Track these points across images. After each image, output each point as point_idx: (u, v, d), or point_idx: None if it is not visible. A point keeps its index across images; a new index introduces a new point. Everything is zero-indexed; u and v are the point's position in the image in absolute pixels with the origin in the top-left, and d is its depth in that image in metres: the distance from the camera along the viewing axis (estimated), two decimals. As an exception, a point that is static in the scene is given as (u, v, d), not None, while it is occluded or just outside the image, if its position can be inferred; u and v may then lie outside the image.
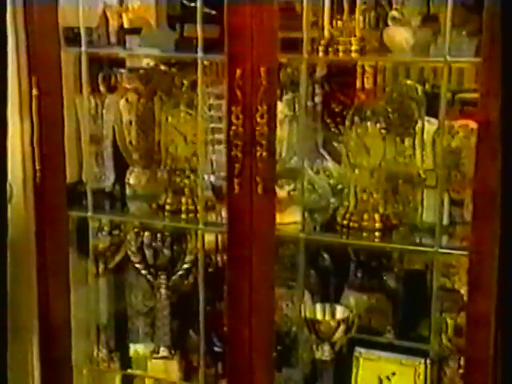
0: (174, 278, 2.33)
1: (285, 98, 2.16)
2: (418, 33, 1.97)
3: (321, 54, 2.00)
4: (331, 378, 2.12)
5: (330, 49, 1.99)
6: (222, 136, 2.16)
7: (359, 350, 2.17)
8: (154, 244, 2.30)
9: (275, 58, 1.92)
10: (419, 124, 2.14)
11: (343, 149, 2.15)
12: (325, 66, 2.27)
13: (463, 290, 1.98)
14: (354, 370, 2.18)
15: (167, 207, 2.25)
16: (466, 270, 1.88)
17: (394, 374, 2.13)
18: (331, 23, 2.01)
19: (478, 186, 1.80)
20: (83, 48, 2.11)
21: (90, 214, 2.23)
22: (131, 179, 2.37)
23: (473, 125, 1.89)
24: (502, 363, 1.76)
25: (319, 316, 2.12)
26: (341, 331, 2.08)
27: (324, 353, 2.10)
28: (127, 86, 2.34)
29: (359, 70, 2.25)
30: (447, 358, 2.06)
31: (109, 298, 2.50)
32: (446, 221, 2.02)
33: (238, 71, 1.92)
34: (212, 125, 2.30)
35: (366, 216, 2.07)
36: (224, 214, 2.08)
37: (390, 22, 1.98)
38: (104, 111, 2.32)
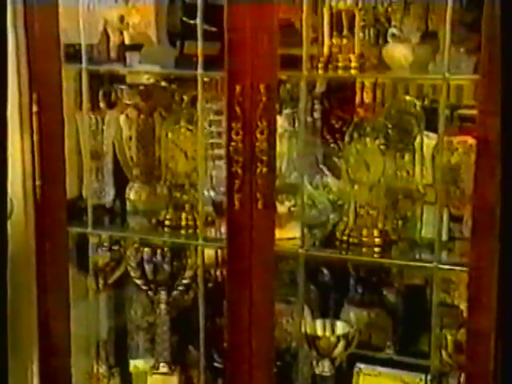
0: (173, 293, 2.33)
1: (284, 112, 2.18)
2: (417, 50, 1.98)
3: (320, 70, 2.01)
4: (332, 394, 2.12)
5: (329, 65, 2.00)
6: (221, 151, 2.16)
7: (359, 366, 2.18)
8: (153, 259, 2.31)
9: (275, 75, 1.94)
10: (418, 139, 2.15)
11: (343, 164, 2.16)
12: (324, 82, 2.28)
13: (463, 306, 1.98)
14: (355, 386, 2.18)
15: (167, 223, 2.26)
16: (465, 286, 1.89)
17: (394, 389, 2.13)
18: (331, 40, 2.02)
19: (477, 202, 1.81)
20: (84, 65, 2.12)
21: (89, 229, 2.23)
22: (131, 195, 2.37)
23: (472, 141, 1.90)
24: (502, 379, 1.75)
25: (319, 332, 2.12)
26: (341, 347, 2.08)
27: (324, 368, 2.10)
28: (127, 102, 2.35)
29: (358, 86, 2.27)
30: (447, 373, 2.06)
31: (109, 313, 2.51)
32: (445, 236, 2.02)
33: (238, 88, 1.93)
34: (212, 140, 2.31)
35: (365, 231, 2.07)
36: (224, 229, 2.08)
37: (389, 39, 1.99)
38: (104, 127, 2.32)
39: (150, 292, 2.34)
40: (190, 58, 2.04)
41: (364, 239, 2.07)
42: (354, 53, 1.99)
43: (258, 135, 1.94)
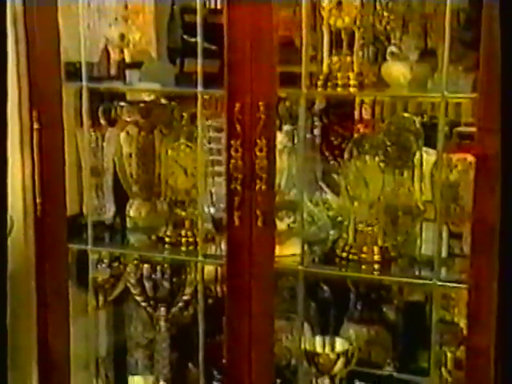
0: (173, 310, 2.34)
1: (284, 128, 2.18)
2: (416, 68, 2.00)
3: (319, 88, 2.02)
4: (331, 411, 2.12)
5: (328, 83, 2.01)
6: (221, 168, 2.17)
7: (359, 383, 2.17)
8: (153, 276, 2.31)
9: (274, 93, 1.94)
10: (417, 156, 2.15)
11: (342, 181, 2.16)
12: (323, 99, 2.29)
13: (463, 323, 1.98)
14: (354, 403, 2.18)
15: (167, 239, 2.26)
16: (465, 303, 1.89)
17: (394, 406, 2.13)
18: (330, 58, 2.03)
19: (477, 219, 1.81)
20: (84, 83, 2.13)
21: (89, 246, 2.23)
22: (131, 211, 2.38)
23: (471, 158, 1.90)
24: (501, 397, 1.76)
25: (319, 348, 2.12)
26: (340, 364, 2.08)
27: (324, 386, 2.10)
28: (127, 119, 2.36)
29: (358, 103, 2.28)
30: (447, 391, 2.06)
31: (108, 330, 2.51)
32: (444, 253, 2.02)
33: (238, 105, 1.94)
34: (212, 157, 2.32)
35: (364, 248, 2.08)
36: (224, 245, 2.09)
37: (388, 57, 2.00)
38: (104, 144, 2.33)
39: (149, 309, 2.34)
40: (190, 76, 2.05)
41: (363, 256, 2.07)
42: (353, 71, 2.01)
43: (258, 152, 1.94)
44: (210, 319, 2.19)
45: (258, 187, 1.96)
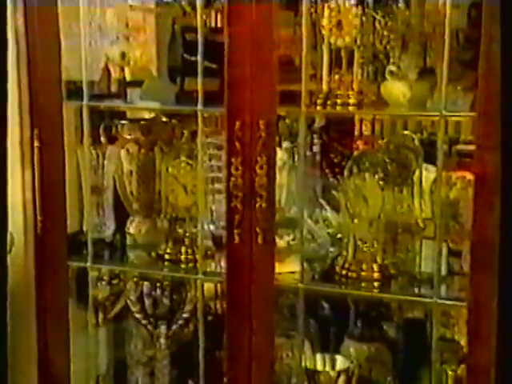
0: (173, 327, 2.34)
1: (284, 145, 2.19)
2: (415, 86, 2.01)
3: (319, 107, 2.03)
4: (331, 430, 2.11)
5: (328, 102, 2.02)
6: (221, 186, 2.18)
7: (359, 401, 2.17)
8: (153, 293, 2.31)
9: (274, 111, 1.95)
10: (417, 173, 2.16)
11: (342, 198, 2.17)
12: (323, 117, 2.30)
13: (463, 341, 1.98)
14: (355, 422, 2.17)
15: (167, 256, 2.26)
16: (465, 321, 1.89)
17: (394, 425, 2.13)
18: (329, 76, 2.04)
19: (476, 237, 1.82)
20: (85, 101, 2.14)
21: (89, 264, 2.23)
22: (131, 228, 2.38)
23: (470, 176, 1.91)
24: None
25: (319, 366, 2.12)
26: (341, 382, 2.08)
27: (324, 403, 2.09)
28: (128, 137, 2.37)
29: (357, 120, 2.29)
30: (448, 409, 2.05)
31: (108, 347, 2.50)
32: (444, 271, 2.02)
33: (238, 123, 1.95)
34: (212, 174, 2.32)
35: (364, 266, 2.08)
36: (223, 263, 2.09)
37: (387, 76, 2.01)
38: (105, 162, 2.34)
39: (149, 326, 2.35)
40: (191, 94, 2.06)
41: (363, 273, 2.08)
42: (352, 89, 2.02)
43: (258, 170, 1.95)
44: (210, 336, 2.19)
45: (257, 205, 1.96)
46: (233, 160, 1.96)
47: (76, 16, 2.11)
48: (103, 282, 2.39)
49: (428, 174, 2.12)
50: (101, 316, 2.40)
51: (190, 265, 2.23)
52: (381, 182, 2.07)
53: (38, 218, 2.19)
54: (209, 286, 2.33)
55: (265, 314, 2.03)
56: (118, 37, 2.26)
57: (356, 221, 2.11)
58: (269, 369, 2.07)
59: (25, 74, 2.13)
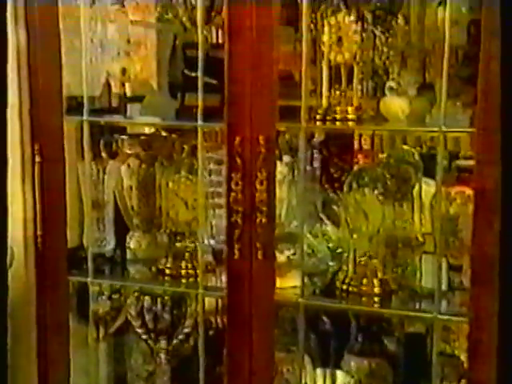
0: (174, 342, 2.33)
1: (284, 159, 2.20)
2: (414, 102, 2.01)
3: (318, 122, 2.04)
4: None
5: (327, 117, 2.02)
6: (221, 200, 2.18)
7: (360, 416, 2.16)
8: (154, 308, 2.31)
9: (274, 127, 1.96)
10: (417, 188, 2.17)
11: (342, 213, 2.17)
12: (323, 132, 2.30)
13: (463, 357, 1.98)
14: None
15: (167, 271, 2.26)
16: (465, 336, 1.89)
17: None
18: (329, 92, 2.04)
19: (476, 252, 1.82)
20: (85, 117, 2.15)
21: (90, 279, 2.23)
22: (131, 243, 2.38)
23: (470, 192, 1.91)
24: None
25: (320, 381, 2.12)
26: (342, 397, 2.08)
27: (325, 419, 2.09)
28: (128, 152, 2.37)
29: (357, 134, 2.29)
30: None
31: (108, 362, 2.50)
32: (444, 286, 2.02)
33: (238, 139, 1.95)
34: (212, 189, 2.32)
35: (365, 281, 2.08)
36: (224, 277, 2.09)
37: (386, 92, 2.02)
38: (105, 177, 2.34)
39: (150, 341, 2.34)
40: (191, 110, 2.06)
41: (364, 288, 2.08)
42: (352, 105, 2.03)
43: (258, 186, 1.96)
44: (210, 351, 2.18)
45: (258, 220, 1.97)
46: (233, 175, 1.97)
47: (77, 32, 2.12)
48: (104, 297, 2.39)
49: (428, 188, 2.12)
50: (101, 331, 2.40)
51: (191, 279, 2.23)
52: (380, 197, 2.08)
53: (39, 232, 2.19)
54: (209, 301, 2.33)
55: (265, 328, 2.03)
56: (119, 53, 2.27)
57: (356, 235, 2.11)
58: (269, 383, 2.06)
59: (26, 89, 2.13)
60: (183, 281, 2.24)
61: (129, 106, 2.31)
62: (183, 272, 2.25)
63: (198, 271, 2.18)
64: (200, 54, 2.00)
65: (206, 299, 2.21)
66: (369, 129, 2.18)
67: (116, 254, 2.41)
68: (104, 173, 2.34)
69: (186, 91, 2.25)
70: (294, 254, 2.14)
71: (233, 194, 1.97)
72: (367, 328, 2.27)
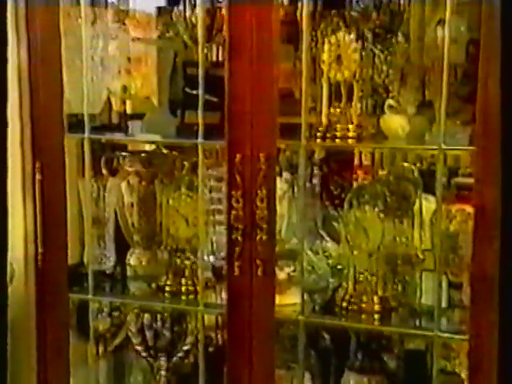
0: (174, 359, 2.33)
1: (284, 175, 2.20)
2: (414, 120, 2.02)
3: (318, 140, 2.04)
4: None
5: (327, 135, 2.03)
6: (222, 217, 2.19)
7: (360, 434, 2.16)
8: (154, 325, 2.31)
9: (274, 144, 1.97)
10: (417, 205, 2.17)
11: (342, 230, 2.17)
12: (323, 150, 2.31)
13: (464, 374, 1.97)
14: None
15: (167, 288, 2.26)
16: (466, 354, 1.89)
17: None
18: (329, 110, 2.05)
19: (476, 270, 1.82)
20: (86, 134, 2.15)
21: (90, 296, 2.23)
22: (132, 260, 2.39)
23: (469, 209, 1.92)
24: None
25: (320, 399, 2.11)
26: (342, 415, 2.07)
27: None
28: (129, 169, 2.38)
29: (357, 151, 2.30)
30: None
31: (108, 379, 2.49)
32: (444, 304, 2.02)
33: (238, 156, 1.96)
34: (212, 206, 2.33)
35: (364, 298, 2.08)
36: (224, 294, 2.09)
37: (386, 110, 2.03)
38: (106, 194, 2.35)
39: (150, 358, 2.34)
40: (191, 127, 2.07)
41: (363, 306, 2.08)
42: (351, 122, 2.03)
43: (258, 203, 1.96)
44: (210, 368, 2.18)
45: (258, 237, 1.97)
46: (233, 193, 1.97)
47: (79, 50, 2.14)
48: (104, 314, 2.39)
49: (428, 204, 2.13)
50: (101, 348, 2.40)
51: (191, 296, 2.23)
52: (381, 215, 2.08)
53: (39, 249, 2.19)
54: (209, 318, 2.33)
55: (265, 345, 2.03)
56: (120, 70, 2.28)
57: (356, 252, 2.11)
58: (269, 401, 2.06)
59: (27, 107, 2.14)
60: (183, 298, 2.24)
61: (129, 123, 2.32)
62: (183, 289, 2.25)
63: (198, 288, 2.18)
64: (200, 71, 2.01)
65: (206, 316, 2.22)
66: (369, 146, 2.19)
67: (116, 270, 2.41)
68: (104, 190, 2.34)
69: (187, 109, 2.26)
70: (294, 270, 2.15)
71: (233, 211, 1.97)
72: (367, 345, 2.27)
